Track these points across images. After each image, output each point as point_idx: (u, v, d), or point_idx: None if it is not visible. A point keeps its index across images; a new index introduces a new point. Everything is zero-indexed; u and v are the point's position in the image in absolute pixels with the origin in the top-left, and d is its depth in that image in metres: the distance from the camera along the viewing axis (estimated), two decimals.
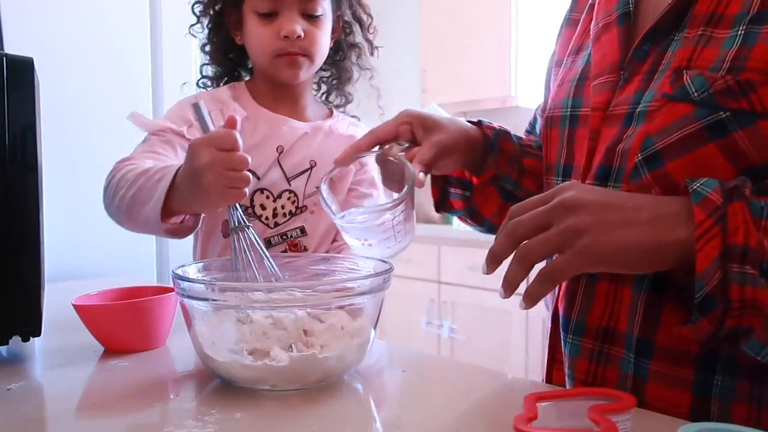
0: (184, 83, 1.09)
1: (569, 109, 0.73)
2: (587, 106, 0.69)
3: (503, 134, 0.83)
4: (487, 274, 0.59)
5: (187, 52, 1.07)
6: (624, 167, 0.62)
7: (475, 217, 0.87)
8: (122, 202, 0.81)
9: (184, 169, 0.74)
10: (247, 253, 0.71)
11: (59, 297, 0.86)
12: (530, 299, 0.56)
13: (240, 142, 0.70)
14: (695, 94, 0.57)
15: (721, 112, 0.56)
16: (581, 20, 0.79)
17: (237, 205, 0.73)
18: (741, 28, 0.57)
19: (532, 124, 0.95)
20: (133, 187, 0.79)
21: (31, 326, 0.70)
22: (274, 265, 0.72)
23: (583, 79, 0.72)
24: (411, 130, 0.75)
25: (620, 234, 0.53)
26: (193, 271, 0.70)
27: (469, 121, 0.82)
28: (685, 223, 0.53)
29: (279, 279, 0.72)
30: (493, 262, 0.58)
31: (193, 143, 0.71)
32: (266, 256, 0.72)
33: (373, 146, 0.76)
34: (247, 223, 0.72)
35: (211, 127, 0.72)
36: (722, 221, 0.51)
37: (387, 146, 0.75)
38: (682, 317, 0.55)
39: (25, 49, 0.73)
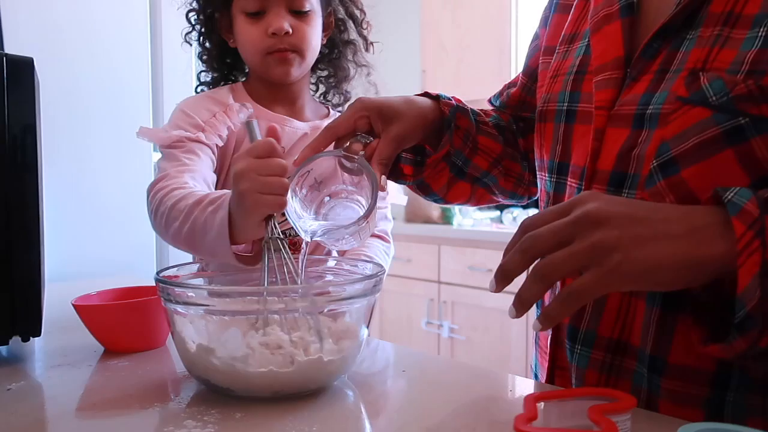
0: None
1: (566, 104, 0.70)
2: (587, 102, 0.67)
3: (461, 111, 0.79)
4: (495, 292, 0.55)
5: (187, 51, 1.08)
6: (639, 173, 0.60)
7: (423, 188, 0.84)
8: (179, 234, 0.79)
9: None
10: (269, 273, 0.67)
11: (59, 297, 0.86)
12: (549, 321, 0.52)
13: (281, 151, 0.68)
14: (714, 98, 0.55)
15: (741, 118, 0.53)
16: (573, 6, 0.75)
17: (274, 219, 0.69)
18: (762, 30, 0.54)
19: (496, 97, 0.92)
20: (188, 221, 0.77)
21: (31, 326, 0.70)
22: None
23: (582, 73, 0.69)
24: (368, 122, 0.72)
25: (653, 249, 0.49)
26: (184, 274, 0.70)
27: (426, 93, 0.80)
28: (723, 236, 0.49)
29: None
30: (504, 279, 0.53)
31: (233, 158, 0.69)
32: (297, 275, 0.68)
33: (331, 143, 0.73)
34: (280, 236, 0.68)
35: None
36: (761, 234, 0.48)
37: (346, 144, 0.72)
38: (702, 335, 0.53)
39: (25, 49, 0.73)
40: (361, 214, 0.69)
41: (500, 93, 0.92)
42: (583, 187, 0.66)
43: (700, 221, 0.51)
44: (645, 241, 0.49)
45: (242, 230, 0.71)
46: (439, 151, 0.79)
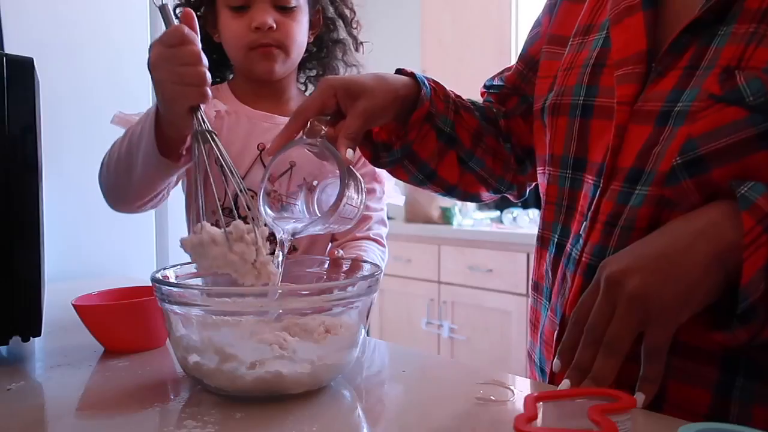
0: None
1: (582, 98, 0.68)
2: (606, 97, 0.65)
3: (435, 81, 0.78)
4: (573, 387, 0.56)
5: None
6: (656, 170, 0.58)
7: (411, 157, 0.79)
8: (120, 161, 0.79)
9: None
10: (205, 165, 0.65)
11: (59, 297, 0.86)
12: (652, 383, 0.52)
13: (193, 37, 0.65)
14: (750, 98, 0.53)
15: None
16: None
17: (200, 110, 0.67)
18: None
19: (490, 80, 0.90)
20: (125, 141, 0.78)
21: (31, 326, 0.70)
22: (240, 180, 0.66)
23: (600, 66, 0.67)
24: (336, 101, 0.69)
25: (676, 269, 0.51)
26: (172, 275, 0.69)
27: (400, 71, 0.77)
28: (734, 228, 0.51)
29: (245, 194, 0.65)
30: (581, 373, 0.55)
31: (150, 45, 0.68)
32: (231, 169, 0.65)
33: (302, 127, 0.69)
34: (209, 129, 0.66)
35: None
36: None
37: (308, 125, 0.68)
38: (711, 320, 0.53)
39: (25, 49, 0.73)
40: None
41: (494, 77, 0.91)
42: (600, 184, 0.64)
43: (701, 221, 0.53)
44: (666, 268, 0.52)
45: (169, 123, 0.71)
46: (419, 107, 0.75)
